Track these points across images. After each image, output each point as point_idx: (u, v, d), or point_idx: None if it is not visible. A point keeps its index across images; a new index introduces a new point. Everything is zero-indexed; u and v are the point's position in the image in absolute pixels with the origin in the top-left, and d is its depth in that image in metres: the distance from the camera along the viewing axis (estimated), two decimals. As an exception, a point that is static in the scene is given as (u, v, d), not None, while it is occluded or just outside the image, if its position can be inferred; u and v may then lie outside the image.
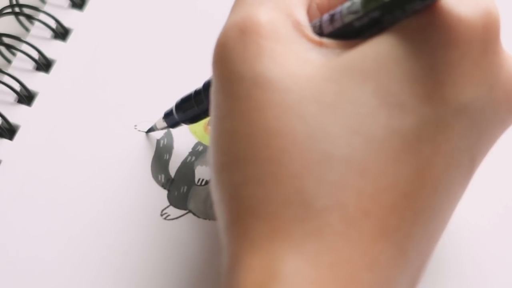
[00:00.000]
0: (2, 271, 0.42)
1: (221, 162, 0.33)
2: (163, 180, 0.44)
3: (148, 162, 0.45)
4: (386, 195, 0.31)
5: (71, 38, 0.49)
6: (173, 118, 0.43)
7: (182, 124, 0.43)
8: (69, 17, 0.49)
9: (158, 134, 0.45)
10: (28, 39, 0.48)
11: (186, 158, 0.45)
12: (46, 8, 0.50)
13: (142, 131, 0.46)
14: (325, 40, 0.33)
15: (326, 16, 0.33)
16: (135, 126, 0.46)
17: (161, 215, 0.43)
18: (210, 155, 0.34)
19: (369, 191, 0.31)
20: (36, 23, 0.49)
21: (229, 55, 0.33)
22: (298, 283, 0.30)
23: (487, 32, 0.31)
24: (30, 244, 0.42)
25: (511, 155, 0.42)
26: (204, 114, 0.41)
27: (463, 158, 0.32)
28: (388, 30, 0.32)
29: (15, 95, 0.47)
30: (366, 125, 0.31)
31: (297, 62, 0.32)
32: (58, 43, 0.49)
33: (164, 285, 0.41)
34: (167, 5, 0.50)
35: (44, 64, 0.48)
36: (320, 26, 0.33)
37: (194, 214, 0.43)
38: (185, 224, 0.43)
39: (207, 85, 0.41)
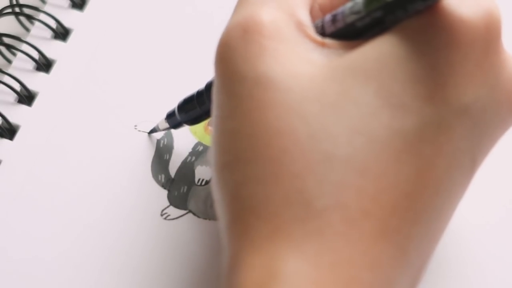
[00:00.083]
0: (2, 272, 0.42)
1: (222, 161, 0.33)
2: (163, 180, 0.44)
3: (148, 162, 0.45)
4: (387, 195, 0.31)
5: (71, 38, 0.49)
6: (175, 119, 0.43)
7: (185, 125, 0.43)
8: (69, 17, 0.49)
9: (158, 134, 0.45)
10: (28, 39, 0.48)
11: (186, 158, 0.45)
12: (46, 8, 0.50)
13: (142, 131, 0.46)
14: (327, 41, 0.33)
15: (328, 17, 0.33)
16: (135, 126, 0.46)
17: (161, 215, 0.43)
18: (211, 155, 0.34)
19: (370, 191, 0.31)
20: (36, 23, 0.49)
21: (231, 54, 0.33)
22: (299, 283, 0.30)
23: (489, 33, 0.31)
24: (30, 244, 0.42)
25: (512, 155, 0.42)
26: (206, 114, 0.41)
27: (464, 158, 0.32)
28: (390, 30, 0.32)
29: (15, 95, 0.47)
30: (368, 125, 0.31)
31: (299, 62, 0.32)
32: (58, 43, 0.49)
33: (165, 285, 0.41)
34: (167, 5, 0.50)
35: (44, 64, 0.48)
36: (323, 27, 0.33)
37: (194, 214, 0.43)
38: (185, 224, 0.43)
39: (209, 86, 0.41)
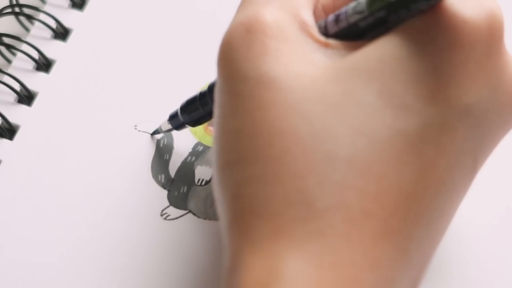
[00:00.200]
0: (1, 272, 0.42)
1: (223, 161, 0.33)
2: (163, 180, 0.44)
3: (148, 162, 0.45)
4: (388, 195, 0.31)
5: (71, 38, 0.49)
6: (178, 120, 0.43)
7: (187, 126, 0.43)
8: (69, 17, 0.49)
9: (158, 134, 0.45)
10: (28, 39, 0.48)
11: (186, 158, 0.45)
12: (46, 8, 0.50)
13: (142, 131, 0.45)
14: (331, 41, 0.33)
15: (331, 17, 0.33)
16: (135, 126, 0.46)
17: (161, 215, 0.43)
18: (212, 154, 0.34)
19: (372, 192, 0.31)
20: (36, 23, 0.49)
21: (234, 54, 0.33)
22: (300, 283, 0.30)
23: (491, 34, 0.31)
24: (29, 244, 0.42)
25: (512, 155, 0.42)
26: (209, 116, 0.41)
27: (466, 159, 0.32)
28: (393, 30, 0.32)
29: (15, 95, 0.47)
30: (370, 126, 0.31)
31: (302, 62, 0.32)
32: (58, 43, 0.49)
33: (164, 285, 0.41)
34: (168, 5, 0.50)
35: (44, 64, 0.48)
36: (326, 27, 0.33)
37: (194, 214, 0.43)
38: (185, 224, 0.43)
39: (212, 87, 0.41)
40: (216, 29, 0.48)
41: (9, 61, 0.48)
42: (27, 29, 0.49)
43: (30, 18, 0.49)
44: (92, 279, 0.41)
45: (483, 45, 0.31)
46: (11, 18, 0.49)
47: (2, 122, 0.46)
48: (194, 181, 0.44)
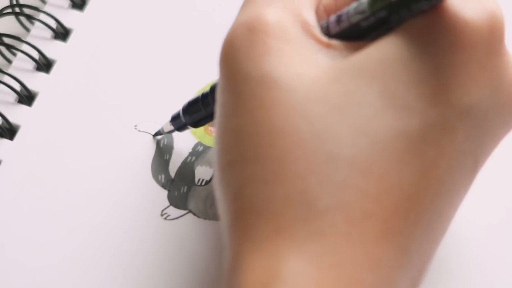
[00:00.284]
0: (1, 272, 0.42)
1: (225, 160, 0.33)
2: (163, 180, 0.44)
3: (148, 162, 0.45)
4: (389, 196, 0.31)
5: (71, 38, 0.49)
6: (180, 122, 0.43)
7: (189, 127, 0.43)
8: (70, 17, 0.49)
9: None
10: (28, 39, 0.48)
11: (186, 158, 0.45)
12: (46, 8, 0.50)
13: (142, 131, 0.46)
14: (333, 42, 0.33)
15: (333, 17, 0.33)
16: (135, 126, 0.46)
17: (161, 215, 0.43)
18: (214, 153, 0.34)
19: (373, 192, 0.31)
20: (37, 23, 0.49)
21: (236, 53, 0.33)
22: (300, 283, 0.30)
23: (493, 34, 0.31)
24: (29, 244, 0.42)
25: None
26: (211, 117, 0.41)
27: (467, 160, 0.32)
28: (394, 31, 0.32)
29: (15, 95, 0.47)
30: (371, 126, 0.31)
31: (304, 63, 0.32)
32: (58, 43, 0.49)
33: (165, 285, 0.41)
34: (168, 5, 0.50)
35: (44, 64, 0.48)
36: (327, 27, 0.33)
37: (194, 214, 0.43)
38: (185, 224, 0.43)
39: (214, 88, 0.40)
40: (216, 29, 0.48)
41: (9, 61, 0.48)
42: (27, 29, 0.49)
43: (30, 18, 0.49)
44: (92, 279, 0.41)
45: (484, 45, 0.31)
46: (11, 18, 0.49)
47: (2, 122, 0.46)
48: (194, 181, 0.44)
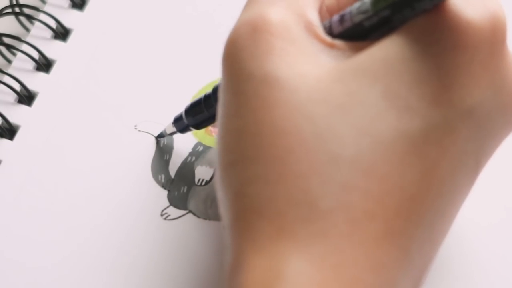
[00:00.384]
0: (1, 273, 0.42)
1: (227, 160, 0.33)
2: (163, 180, 0.44)
3: (148, 162, 0.45)
4: (391, 197, 0.31)
5: (71, 38, 0.49)
6: (182, 123, 0.43)
7: (192, 129, 0.43)
8: (69, 17, 0.49)
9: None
10: (28, 39, 0.48)
11: (186, 158, 0.45)
12: (46, 8, 0.50)
13: (142, 131, 0.46)
14: (336, 42, 0.33)
15: (336, 17, 0.33)
16: (135, 126, 0.46)
17: (161, 215, 0.43)
18: (215, 153, 0.34)
19: (375, 193, 0.31)
20: (36, 23, 0.49)
21: (239, 52, 0.32)
22: (302, 284, 0.30)
23: (495, 35, 0.31)
24: (29, 244, 0.42)
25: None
26: (214, 118, 0.41)
27: (468, 160, 0.32)
28: (397, 31, 0.32)
29: (15, 95, 0.47)
30: (374, 127, 0.31)
31: (307, 63, 0.32)
32: (58, 43, 0.49)
33: (164, 285, 0.41)
34: (168, 5, 0.50)
35: (44, 64, 0.48)
36: (330, 27, 0.33)
37: (194, 214, 0.43)
38: (185, 224, 0.43)
39: (216, 89, 0.40)
40: (216, 29, 0.48)
41: (9, 61, 0.48)
42: (27, 29, 0.49)
43: (30, 18, 0.49)
44: (92, 279, 0.41)
45: (486, 46, 0.31)
46: (11, 18, 0.49)
47: (2, 122, 0.46)
48: (194, 181, 0.44)
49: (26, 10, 0.49)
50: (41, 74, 0.48)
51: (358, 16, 0.32)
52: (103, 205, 0.43)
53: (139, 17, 0.49)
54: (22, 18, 0.49)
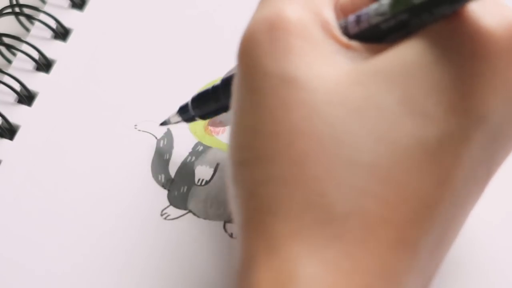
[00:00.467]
0: (1, 273, 0.42)
1: (240, 157, 0.32)
2: (163, 180, 0.44)
3: (148, 162, 0.45)
4: (407, 204, 0.30)
5: (71, 38, 0.49)
6: (188, 114, 0.42)
7: (197, 119, 0.42)
8: (69, 17, 0.49)
9: (158, 134, 0.45)
10: (28, 39, 0.48)
11: (186, 158, 0.45)
12: (46, 8, 0.50)
13: (142, 131, 0.46)
14: (352, 43, 0.32)
15: (352, 17, 0.33)
16: (135, 126, 0.46)
17: (161, 215, 0.43)
18: (228, 150, 0.33)
19: (391, 200, 0.30)
20: (36, 23, 0.49)
21: (256, 49, 0.32)
22: (315, 287, 0.30)
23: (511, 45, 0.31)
24: (28, 244, 0.42)
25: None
26: (220, 110, 0.41)
27: (481, 169, 0.32)
28: (415, 35, 0.31)
29: (15, 95, 0.47)
30: (391, 132, 0.30)
31: (324, 64, 0.31)
32: (58, 43, 0.49)
33: (164, 285, 0.41)
34: (167, 5, 0.50)
35: (44, 64, 0.48)
36: (346, 27, 0.33)
37: (194, 214, 0.43)
38: (185, 224, 0.43)
39: (226, 81, 0.40)
40: (216, 29, 0.48)
41: (9, 61, 0.48)
42: (27, 29, 0.49)
43: (30, 18, 0.49)
44: (91, 278, 0.41)
45: (503, 56, 0.31)
46: (11, 18, 0.49)
47: (2, 122, 0.46)
48: (194, 181, 0.44)
49: (26, 10, 0.49)
50: (41, 74, 0.48)
51: (376, 17, 0.32)
52: (103, 205, 0.43)
53: (139, 17, 0.49)
54: (22, 18, 0.49)
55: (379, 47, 0.32)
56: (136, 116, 0.46)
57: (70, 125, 0.46)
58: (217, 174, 0.44)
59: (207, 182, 0.44)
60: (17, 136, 0.46)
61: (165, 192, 0.44)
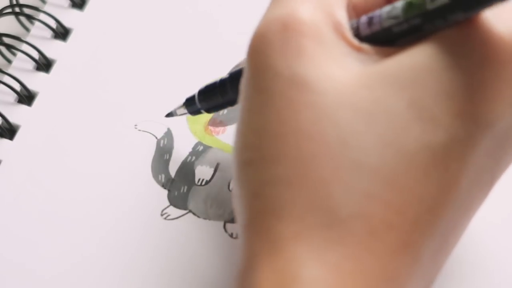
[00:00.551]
0: (1, 273, 0.42)
1: (245, 157, 0.32)
2: (163, 180, 0.44)
3: (148, 162, 0.45)
4: (411, 209, 0.30)
5: (71, 38, 0.49)
6: (195, 106, 0.42)
7: (203, 112, 0.42)
8: (69, 17, 0.49)
9: (158, 134, 0.45)
10: (28, 39, 0.48)
11: (186, 158, 0.45)
12: (46, 8, 0.50)
13: (143, 131, 0.46)
14: (363, 46, 0.32)
15: (364, 18, 0.33)
16: (135, 126, 0.46)
17: (161, 215, 0.43)
18: (233, 149, 0.33)
19: (396, 204, 0.30)
20: (36, 23, 0.49)
21: (267, 49, 0.32)
22: None
23: None
24: (28, 244, 0.42)
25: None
26: (227, 104, 0.41)
27: (485, 176, 0.32)
28: (427, 40, 0.31)
29: (15, 95, 0.47)
30: (398, 137, 0.30)
31: (335, 66, 0.31)
32: (58, 43, 0.49)
33: (164, 285, 0.41)
34: (168, 5, 0.50)
35: (44, 64, 0.48)
36: (358, 28, 0.33)
37: (194, 214, 0.43)
38: (185, 224, 0.43)
39: (234, 75, 0.40)
40: (216, 29, 0.48)
41: (9, 61, 0.48)
42: (27, 29, 0.49)
43: (30, 18, 0.49)
44: (91, 278, 0.41)
45: None
46: (11, 18, 0.49)
47: (2, 122, 0.46)
48: (194, 181, 0.44)
49: (26, 10, 0.49)
50: (41, 74, 0.48)
51: (388, 21, 0.32)
52: (103, 205, 0.43)
53: (139, 17, 0.49)
54: (22, 18, 0.49)
55: (390, 50, 0.32)
56: (136, 116, 0.46)
57: (70, 125, 0.46)
58: (217, 174, 0.44)
59: (207, 182, 0.44)
60: (17, 136, 0.46)
61: (165, 192, 0.44)
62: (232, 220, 0.42)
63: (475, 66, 0.31)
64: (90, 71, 0.47)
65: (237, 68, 0.40)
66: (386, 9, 0.32)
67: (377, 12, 0.32)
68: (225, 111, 0.45)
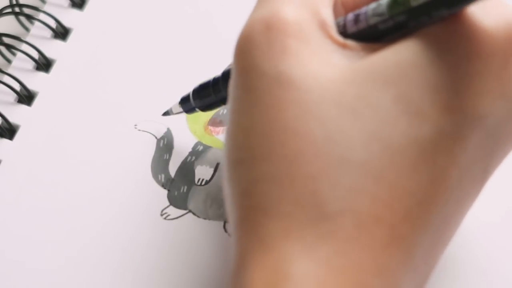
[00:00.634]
0: (1, 273, 0.42)
1: (235, 157, 0.32)
2: (163, 180, 0.44)
3: (148, 162, 0.45)
4: (400, 202, 0.31)
5: (71, 38, 0.49)
6: (189, 105, 0.42)
7: (197, 110, 0.42)
8: (69, 17, 0.49)
9: (158, 134, 0.45)
10: (28, 39, 0.48)
11: (186, 158, 0.45)
12: (46, 8, 0.50)
13: (142, 131, 0.46)
14: (349, 42, 0.32)
15: (351, 16, 0.33)
16: (135, 125, 0.46)
17: (161, 215, 0.43)
18: (224, 149, 0.33)
19: (384, 198, 0.30)
20: (36, 23, 0.49)
21: (253, 49, 0.32)
22: (307, 285, 0.30)
23: (509, 45, 0.31)
24: (29, 244, 0.42)
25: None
26: (221, 102, 0.41)
27: (476, 169, 0.32)
28: (412, 35, 0.31)
29: (15, 95, 0.47)
30: (385, 131, 0.31)
31: (320, 63, 0.32)
32: (58, 43, 0.49)
33: (164, 285, 0.41)
34: (167, 5, 0.50)
35: (44, 64, 0.48)
36: (344, 25, 0.33)
37: (194, 214, 0.43)
38: (185, 224, 0.43)
39: (226, 74, 0.40)
40: (216, 29, 0.48)
41: (9, 61, 0.48)
42: (27, 29, 0.49)
43: (30, 18, 0.49)
44: (91, 278, 0.41)
45: (500, 56, 0.31)
46: (11, 18, 0.49)
47: (2, 122, 0.46)
48: (194, 181, 0.44)
49: (26, 10, 0.49)
50: (41, 74, 0.48)
51: (374, 18, 0.32)
52: (103, 204, 0.43)
53: (139, 17, 0.49)
54: (22, 18, 0.49)
55: (375, 46, 0.32)
56: (136, 116, 0.46)
57: (70, 125, 0.46)
58: (217, 174, 0.44)
59: (207, 182, 0.44)
60: (17, 136, 0.46)
61: (165, 192, 0.44)
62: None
63: (461, 60, 0.31)
64: (90, 71, 0.47)
65: (230, 67, 0.40)
66: (372, 6, 0.32)
67: (363, 10, 0.33)
68: (224, 110, 0.45)
